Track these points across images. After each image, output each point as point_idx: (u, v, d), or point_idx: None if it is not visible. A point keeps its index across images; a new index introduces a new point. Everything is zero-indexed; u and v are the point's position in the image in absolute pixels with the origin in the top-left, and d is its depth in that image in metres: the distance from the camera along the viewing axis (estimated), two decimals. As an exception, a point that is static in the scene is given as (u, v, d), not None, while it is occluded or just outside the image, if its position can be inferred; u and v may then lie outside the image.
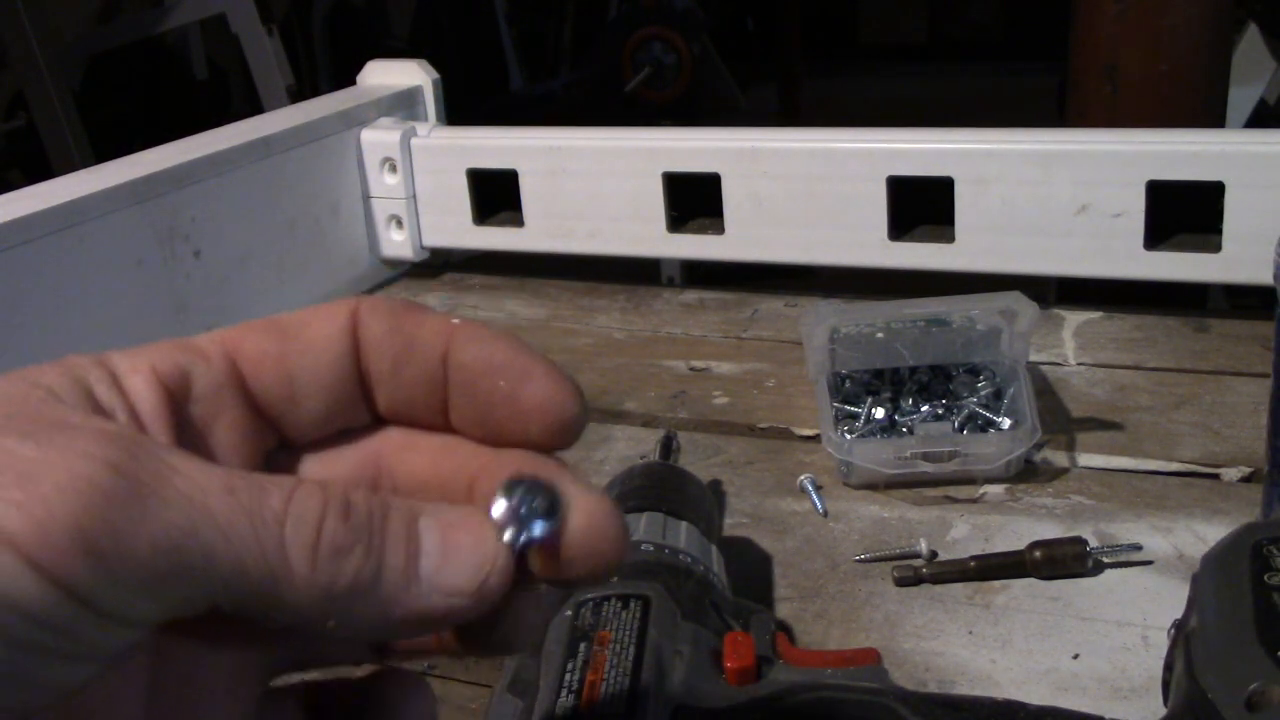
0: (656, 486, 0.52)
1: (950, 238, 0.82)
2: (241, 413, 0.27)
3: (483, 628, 0.26)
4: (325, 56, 3.20)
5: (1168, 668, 0.40)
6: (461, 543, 0.24)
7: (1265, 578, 0.37)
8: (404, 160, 0.96)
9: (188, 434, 0.26)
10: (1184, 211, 0.77)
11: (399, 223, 0.98)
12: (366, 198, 0.98)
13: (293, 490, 0.23)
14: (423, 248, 0.99)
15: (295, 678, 0.29)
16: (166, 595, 0.22)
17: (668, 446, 0.61)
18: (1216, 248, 0.75)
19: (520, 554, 0.25)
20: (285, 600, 0.23)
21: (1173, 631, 0.41)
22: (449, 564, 0.24)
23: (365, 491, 0.25)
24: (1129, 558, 0.55)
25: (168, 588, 0.22)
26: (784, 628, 0.53)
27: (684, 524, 0.49)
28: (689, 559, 0.45)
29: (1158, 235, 0.78)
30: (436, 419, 0.28)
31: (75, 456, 0.21)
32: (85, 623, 0.21)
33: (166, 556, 0.21)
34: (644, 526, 0.47)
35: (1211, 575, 0.39)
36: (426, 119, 1.02)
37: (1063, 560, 0.54)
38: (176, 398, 0.26)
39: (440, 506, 0.25)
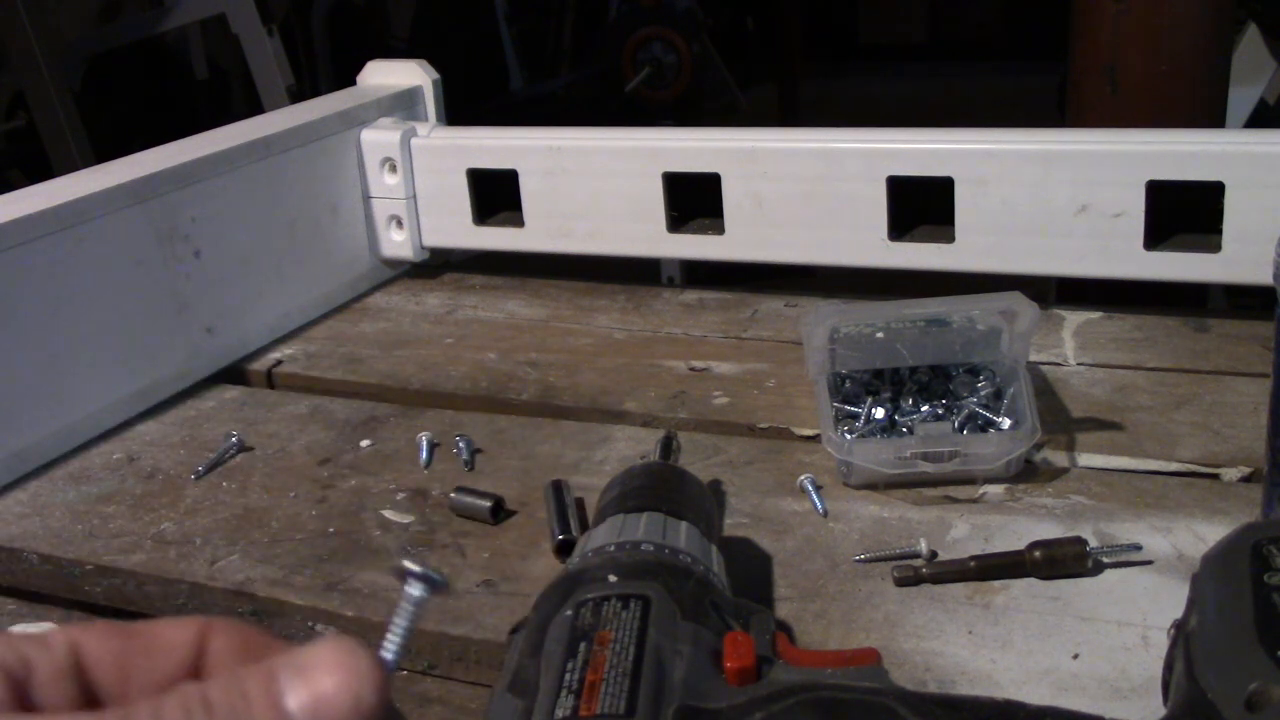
0: (656, 486, 0.52)
1: (950, 238, 0.82)
2: (78, 700, 0.28)
3: None
4: (325, 56, 3.20)
5: (1168, 667, 0.40)
6: (327, 680, 0.25)
7: (1265, 578, 0.37)
8: (404, 160, 0.96)
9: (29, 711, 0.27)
10: (1184, 211, 0.77)
11: (399, 223, 0.98)
12: (366, 198, 0.98)
13: (159, 709, 0.24)
14: (423, 248, 0.99)
15: None
16: None
17: (668, 446, 0.61)
18: (1216, 248, 0.75)
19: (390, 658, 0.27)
20: None
21: (1173, 631, 0.41)
22: (323, 705, 0.25)
23: (219, 682, 0.25)
24: (1129, 558, 0.55)
25: None
26: (784, 628, 0.53)
27: (684, 524, 0.49)
28: (689, 559, 0.45)
29: (1158, 235, 0.77)
30: None
31: None
32: None
33: None
34: (644, 526, 0.47)
35: (1211, 575, 0.39)
36: (426, 119, 1.02)
37: (1063, 560, 0.54)
38: (16, 682, 0.27)
39: (295, 654, 0.26)
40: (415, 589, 0.29)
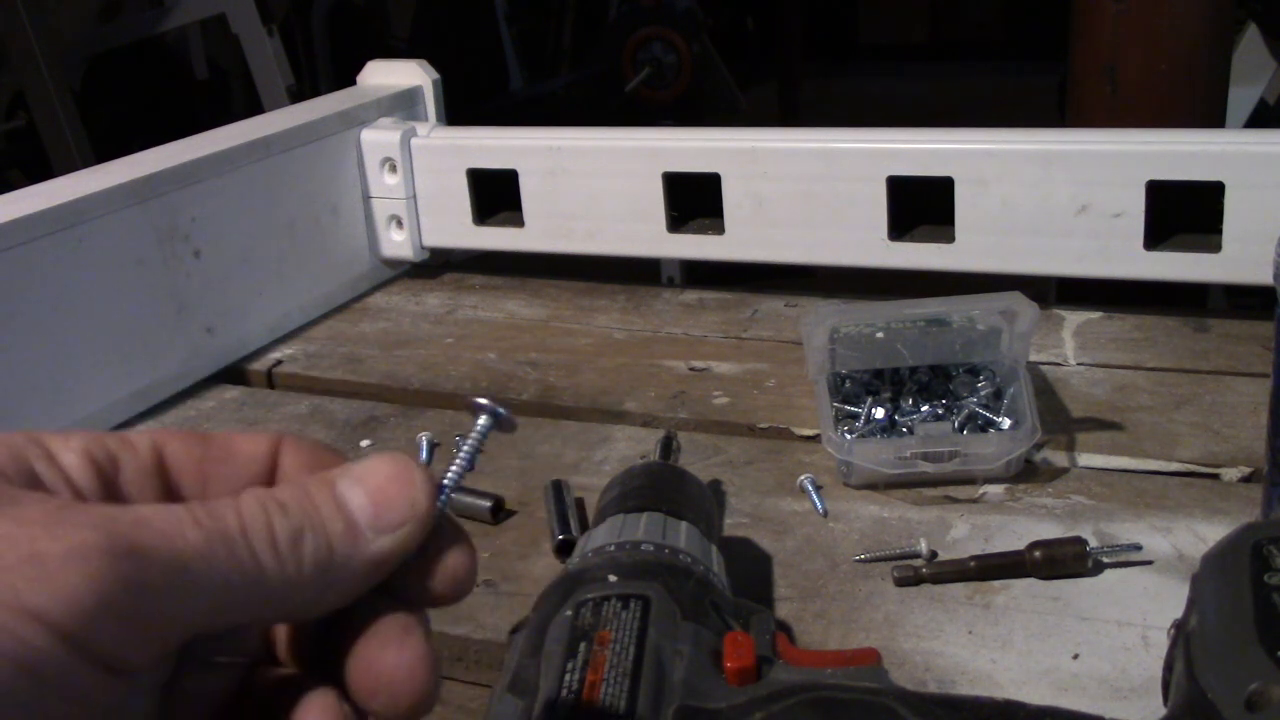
0: (656, 486, 0.52)
1: (950, 238, 0.82)
2: (161, 498, 0.30)
3: (419, 574, 0.29)
4: (325, 56, 3.20)
5: (1168, 667, 0.40)
6: (383, 485, 0.28)
7: (1266, 578, 0.37)
8: (404, 160, 0.96)
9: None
10: (1184, 211, 0.77)
11: (399, 223, 0.98)
12: (366, 198, 0.98)
13: (238, 505, 0.27)
14: (423, 248, 0.99)
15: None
16: (172, 637, 0.25)
17: (668, 446, 0.61)
18: (1216, 248, 0.75)
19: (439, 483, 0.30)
20: (269, 598, 0.26)
21: (1173, 632, 0.41)
22: (381, 507, 0.28)
23: (287, 485, 0.28)
24: (1129, 558, 0.55)
25: (174, 629, 0.25)
26: (784, 628, 0.53)
27: (684, 524, 0.49)
28: (689, 559, 0.45)
29: (1158, 235, 0.77)
30: None
31: (68, 529, 0.24)
32: (106, 685, 0.24)
33: (170, 599, 0.25)
34: (644, 526, 0.47)
35: (1211, 575, 0.39)
36: (426, 119, 1.02)
37: (1063, 560, 0.54)
38: (106, 477, 0.28)
39: (353, 465, 0.29)
40: (482, 419, 0.32)
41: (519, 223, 0.94)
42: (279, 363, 0.86)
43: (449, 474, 0.31)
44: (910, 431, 0.65)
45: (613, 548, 0.45)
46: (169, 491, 0.30)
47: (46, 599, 0.23)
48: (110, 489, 0.28)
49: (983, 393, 0.66)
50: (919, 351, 0.66)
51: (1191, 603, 0.40)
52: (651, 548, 0.45)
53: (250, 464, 0.30)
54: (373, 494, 0.28)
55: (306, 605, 0.27)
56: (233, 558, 0.26)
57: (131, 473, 0.29)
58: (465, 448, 0.32)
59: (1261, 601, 0.36)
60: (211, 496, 0.29)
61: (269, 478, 0.30)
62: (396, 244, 0.99)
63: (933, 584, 0.55)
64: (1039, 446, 0.65)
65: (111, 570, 0.24)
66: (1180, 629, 0.39)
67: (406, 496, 0.28)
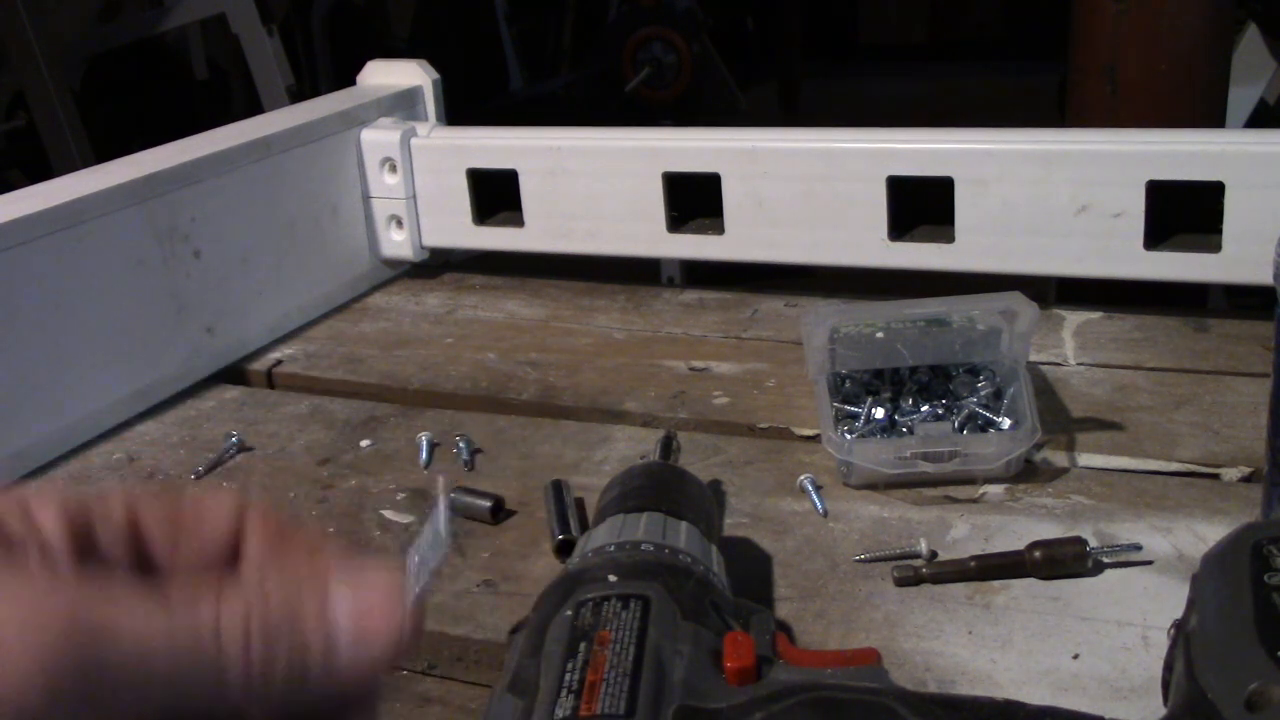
0: (656, 486, 0.52)
1: (950, 238, 0.82)
2: (134, 560, 0.30)
3: None
4: (325, 56, 3.20)
5: (1168, 668, 0.40)
6: (373, 607, 0.27)
7: (1266, 578, 0.37)
8: (404, 160, 0.96)
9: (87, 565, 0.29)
10: (1184, 211, 0.77)
11: (399, 223, 0.98)
12: (366, 198, 0.98)
13: (220, 602, 0.26)
14: (423, 248, 0.99)
15: None
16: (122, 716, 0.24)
17: (668, 446, 0.61)
18: (1216, 248, 0.75)
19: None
20: (229, 698, 0.26)
21: (1173, 632, 0.41)
22: (365, 631, 0.27)
23: (280, 579, 0.27)
24: (1129, 558, 0.55)
25: (129, 715, 0.24)
26: (784, 628, 0.53)
27: (684, 524, 0.49)
28: (689, 559, 0.45)
29: (1158, 235, 0.77)
30: None
31: (31, 600, 0.24)
32: None
33: (127, 686, 0.24)
34: (644, 526, 0.47)
35: (1211, 575, 0.39)
36: (426, 119, 1.02)
37: (1063, 560, 0.54)
38: (82, 537, 0.28)
39: (351, 569, 0.28)
40: (438, 523, 0.30)
41: (519, 223, 0.94)
42: (279, 363, 0.86)
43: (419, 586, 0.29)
44: (910, 431, 0.65)
45: (613, 548, 0.45)
46: (141, 553, 0.29)
47: None
48: (86, 549, 0.28)
49: (983, 393, 0.66)
50: (919, 351, 0.66)
51: (1192, 603, 0.40)
52: (651, 548, 0.45)
53: (216, 527, 0.30)
54: (360, 615, 0.27)
55: (267, 708, 0.27)
56: (198, 658, 0.25)
57: (107, 533, 0.29)
58: (427, 556, 0.30)
59: (1261, 601, 0.36)
60: (180, 560, 0.29)
61: (234, 544, 0.30)
62: (396, 244, 0.99)
63: (933, 584, 0.55)
64: (1039, 446, 0.65)
65: (69, 650, 0.23)
66: (1180, 629, 0.39)
67: (393, 626, 0.27)
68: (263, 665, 0.26)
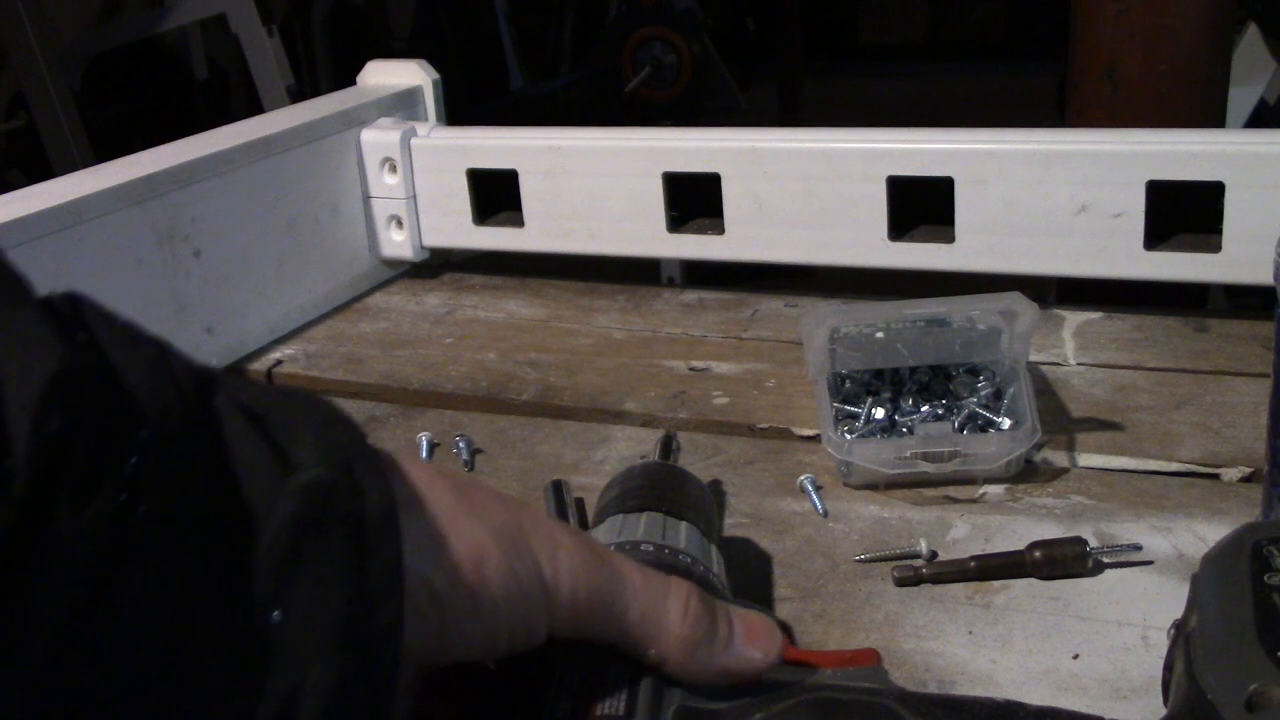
0: (656, 486, 0.52)
1: (950, 238, 0.82)
2: None
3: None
4: (325, 56, 3.20)
5: (1168, 668, 0.40)
6: (758, 631, 0.39)
7: (1266, 578, 0.37)
8: (404, 160, 0.96)
9: None
10: (1184, 211, 0.77)
11: (399, 223, 0.98)
12: (366, 198, 0.98)
13: (670, 581, 0.38)
14: (423, 248, 0.99)
15: None
16: (591, 631, 0.36)
17: (668, 446, 0.61)
18: (1216, 248, 0.75)
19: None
20: (660, 644, 0.37)
21: (1172, 632, 0.41)
22: (749, 641, 0.39)
23: (700, 591, 0.39)
24: (1129, 558, 0.55)
25: (596, 628, 0.36)
26: (784, 628, 0.52)
27: (684, 524, 0.49)
28: (689, 559, 0.45)
29: (1158, 235, 0.77)
30: None
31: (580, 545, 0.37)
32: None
33: (607, 611, 0.36)
34: (644, 527, 0.47)
35: (1211, 575, 0.39)
36: (426, 119, 1.02)
37: (1063, 560, 0.54)
38: None
39: (738, 609, 0.40)
40: None
41: (519, 223, 0.94)
42: (279, 363, 0.86)
43: None
44: (910, 431, 0.65)
45: (612, 548, 0.45)
46: None
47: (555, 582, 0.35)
48: None
49: (983, 393, 0.66)
50: (919, 351, 0.66)
51: (1192, 603, 0.40)
52: (651, 548, 0.45)
53: None
54: (747, 630, 0.39)
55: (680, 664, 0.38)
56: (654, 609, 0.37)
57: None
58: None
59: (1261, 601, 0.36)
60: None
61: None
62: (396, 244, 0.99)
63: (933, 584, 0.55)
64: (1039, 446, 0.65)
65: (596, 580, 0.36)
66: (1180, 629, 0.39)
67: (766, 642, 0.39)
68: (691, 628, 0.37)
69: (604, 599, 0.36)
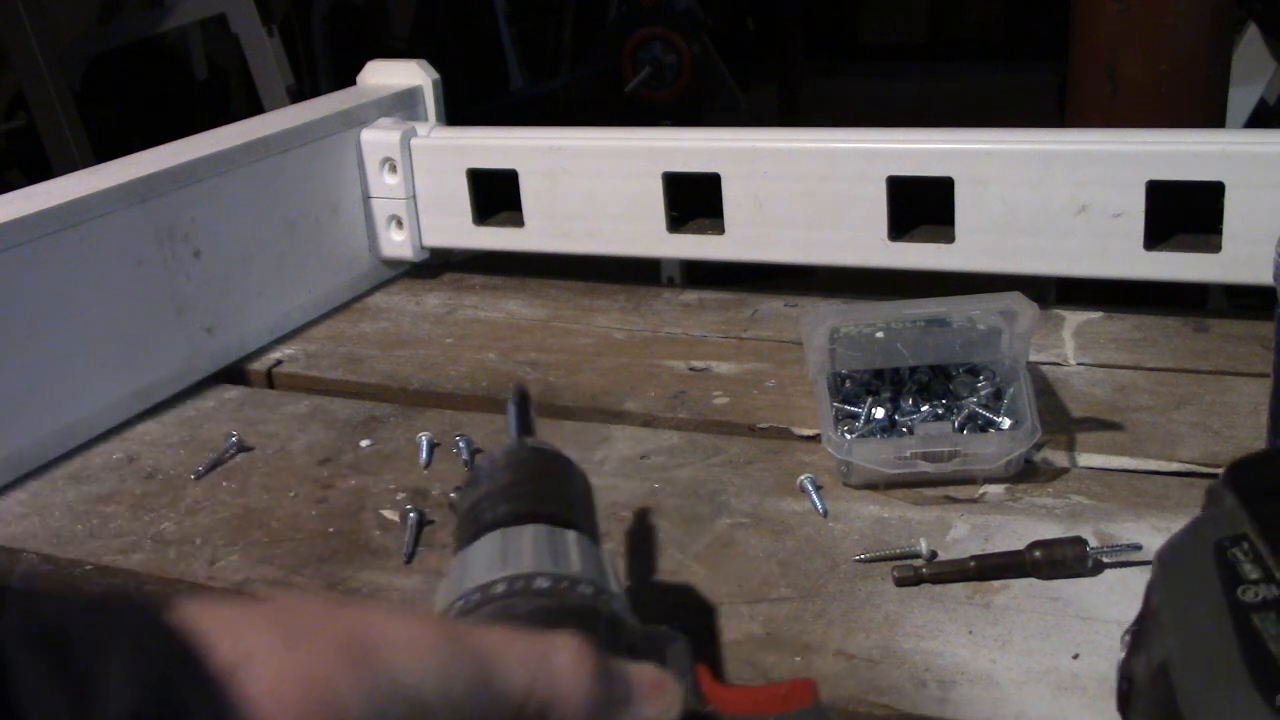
0: (534, 481, 0.44)
1: (950, 238, 0.82)
2: None
3: None
4: (325, 56, 3.20)
5: (1126, 679, 0.38)
6: (652, 689, 0.36)
7: (1240, 593, 0.35)
8: (404, 160, 0.96)
9: None
10: (1184, 211, 0.77)
11: (399, 223, 0.98)
12: (366, 198, 0.98)
13: (552, 645, 0.34)
14: (423, 248, 0.99)
15: None
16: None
17: (524, 411, 0.48)
18: (1216, 248, 0.75)
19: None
20: (556, 713, 0.34)
21: (1128, 639, 0.39)
22: (645, 700, 0.36)
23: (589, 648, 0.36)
24: (1129, 558, 0.55)
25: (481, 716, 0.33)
26: (701, 658, 0.43)
27: (571, 534, 0.42)
28: (589, 590, 0.39)
29: (1158, 235, 0.77)
30: None
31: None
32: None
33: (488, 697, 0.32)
34: (531, 549, 0.40)
35: (1174, 586, 0.36)
36: (426, 119, 1.02)
37: (1063, 560, 0.54)
38: None
39: (632, 665, 0.37)
40: None
41: (519, 223, 0.94)
42: (279, 363, 0.86)
43: None
44: (910, 431, 0.65)
45: (502, 587, 0.39)
46: None
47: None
48: None
49: (983, 393, 0.66)
50: (919, 351, 0.66)
51: (1154, 613, 0.37)
52: (547, 583, 0.39)
53: None
54: (645, 691, 0.36)
55: None
56: (549, 674, 0.34)
57: None
58: None
59: (1244, 629, 0.34)
60: None
61: None
62: (396, 244, 0.99)
63: (933, 584, 0.55)
64: (1039, 446, 0.65)
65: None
66: (1142, 644, 0.37)
67: (661, 705, 0.36)
68: (591, 689, 0.34)
69: (479, 684, 0.32)
